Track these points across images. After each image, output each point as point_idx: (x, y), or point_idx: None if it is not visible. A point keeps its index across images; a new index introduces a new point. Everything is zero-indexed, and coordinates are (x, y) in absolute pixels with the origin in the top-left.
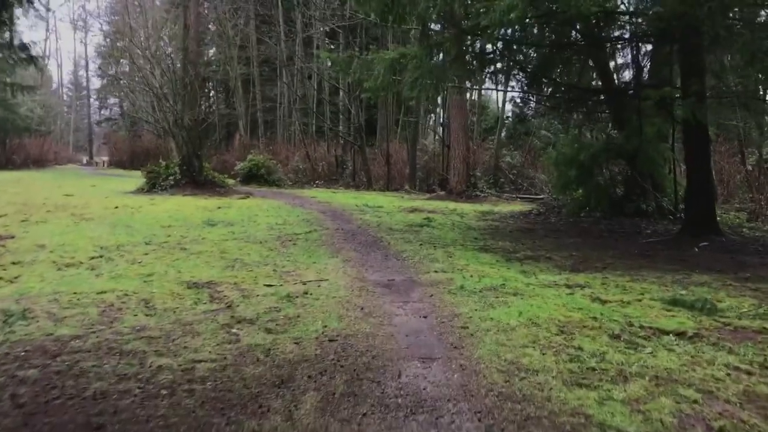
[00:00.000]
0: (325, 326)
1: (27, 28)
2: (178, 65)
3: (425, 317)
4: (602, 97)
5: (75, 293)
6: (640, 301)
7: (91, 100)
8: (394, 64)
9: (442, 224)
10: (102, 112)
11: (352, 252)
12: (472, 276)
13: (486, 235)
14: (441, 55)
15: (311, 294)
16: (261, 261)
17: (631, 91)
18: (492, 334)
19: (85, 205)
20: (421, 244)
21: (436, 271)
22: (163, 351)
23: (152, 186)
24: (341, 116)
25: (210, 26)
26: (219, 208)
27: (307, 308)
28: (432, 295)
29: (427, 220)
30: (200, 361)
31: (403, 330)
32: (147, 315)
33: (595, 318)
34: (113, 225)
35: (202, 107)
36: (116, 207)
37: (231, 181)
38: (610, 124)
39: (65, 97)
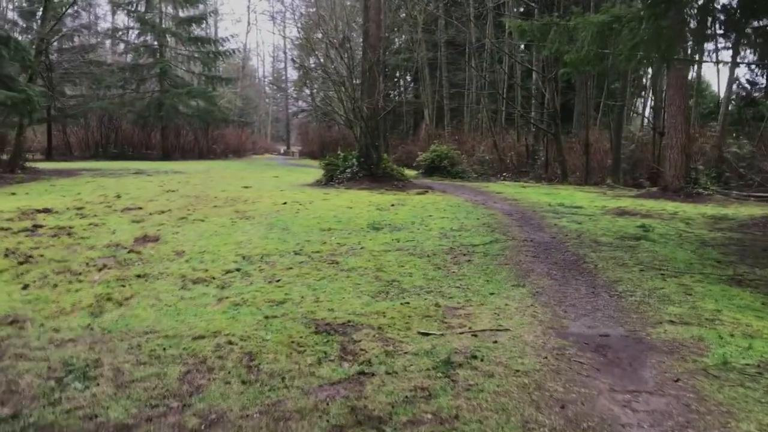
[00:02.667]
0: None
1: (231, 22)
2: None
3: None
4: None
5: (167, 336)
6: None
7: (289, 91)
8: (604, 29)
9: (664, 236)
10: (299, 103)
11: (544, 278)
12: (732, 335)
13: (731, 256)
14: (669, 15)
15: (482, 360)
16: (423, 286)
17: None
18: None
19: (255, 200)
20: (641, 270)
21: (672, 322)
22: None
23: (330, 178)
24: (533, 101)
25: (400, 13)
26: (392, 205)
27: (472, 396)
28: (678, 380)
29: (642, 228)
30: None
31: None
32: (242, 384)
33: None
34: (270, 226)
35: (390, 95)
36: (284, 203)
37: (412, 173)
38: None
39: (267, 89)
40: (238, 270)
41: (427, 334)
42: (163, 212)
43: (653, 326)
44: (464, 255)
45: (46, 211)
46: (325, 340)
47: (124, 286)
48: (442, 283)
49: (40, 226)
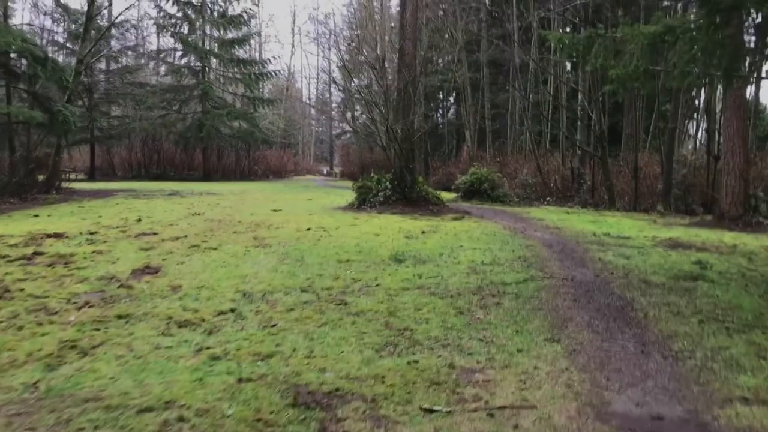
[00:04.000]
0: None
1: (276, 44)
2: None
3: None
4: None
5: (109, 407)
6: None
7: (333, 113)
8: (656, 41)
9: (724, 275)
10: (341, 124)
11: (584, 330)
12: None
13: None
14: (733, 23)
15: None
16: (439, 338)
17: None
18: None
19: (280, 225)
20: (700, 321)
21: (745, 399)
22: None
23: (362, 202)
24: (579, 123)
25: (442, 33)
26: (423, 233)
27: None
28: None
29: (699, 265)
30: None
31: None
32: None
33: None
34: (284, 257)
35: (429, 116)
36: (308, 229)
37: (451, 196)
38: None
39: (312, 110)
40: (232, 311)
41: (432, 411)
42: (177, 238)
43: (721, 405)
44: (493, 296)
45: (57, 235)
46: (301, 417)
47: (98, 329)
48: (462, 334)
49: (41, 254)
